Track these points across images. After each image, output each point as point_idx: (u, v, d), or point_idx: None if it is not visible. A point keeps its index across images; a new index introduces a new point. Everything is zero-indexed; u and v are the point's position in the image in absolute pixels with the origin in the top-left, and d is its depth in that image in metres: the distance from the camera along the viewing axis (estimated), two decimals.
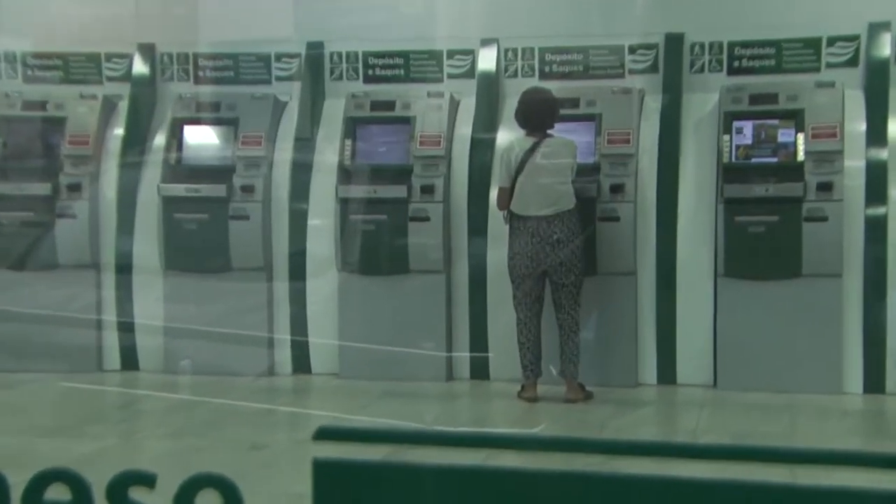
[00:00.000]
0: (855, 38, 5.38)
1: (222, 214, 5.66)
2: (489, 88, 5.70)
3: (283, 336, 5.65)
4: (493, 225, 5.43)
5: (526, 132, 5.07)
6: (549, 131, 5.07)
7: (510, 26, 5.72)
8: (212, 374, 5.51)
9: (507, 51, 5.75)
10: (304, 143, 5.76)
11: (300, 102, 5.85)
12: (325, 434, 1.40)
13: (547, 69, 5.73)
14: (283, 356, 5.71)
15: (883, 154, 5.20)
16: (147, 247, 5.74)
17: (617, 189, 5.30)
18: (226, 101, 5.83)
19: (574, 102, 5.37)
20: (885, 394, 5.12)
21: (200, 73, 6.01)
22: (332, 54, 5.90)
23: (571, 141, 5.14)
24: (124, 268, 5.76)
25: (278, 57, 5.96)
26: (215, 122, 5.82)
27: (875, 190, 5.17)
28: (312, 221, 5.70)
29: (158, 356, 5.73)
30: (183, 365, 5.57)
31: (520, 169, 5.01)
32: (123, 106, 5.97)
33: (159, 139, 5.86)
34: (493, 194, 5.31)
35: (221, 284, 5.62)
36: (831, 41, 5.42)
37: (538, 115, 5.04)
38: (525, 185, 5.02)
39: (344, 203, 5.54)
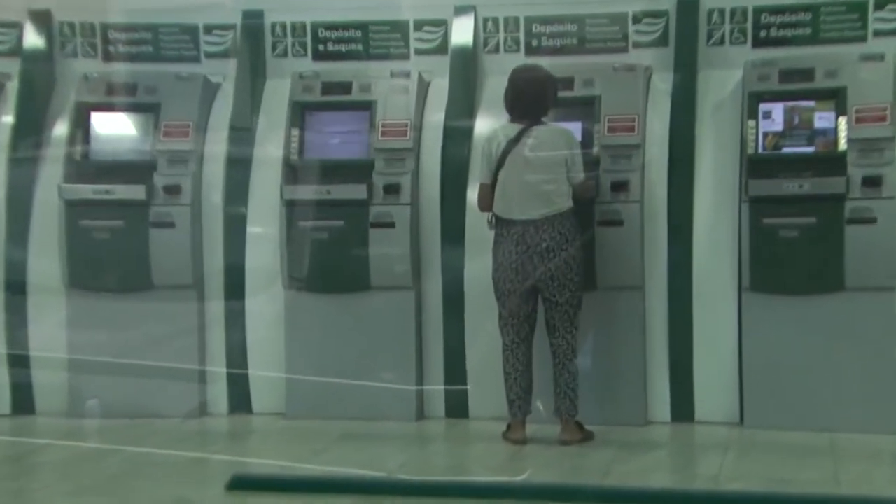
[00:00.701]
0: None
1: (141, 221, 5.61)
2: (465, 66, 5.67)
3: (218, 368, 5.62)
4: (471, 230, 5.40)
5: (513, 118, 5.04)
6: (543, 119, 5.03)
7: None
8: (129, 416, 5.46)
9: (486, 21, 5.73)
10: (242, 133, 5.73)
11: (236, 84, 5.81)
12: (241, 483, 1.28)
13: (534, 43, 5.70)
14: (218, 393, 5.68)
15: None
16: (46, 261, 5.67)
17: (620, 187, 5.27)
18: (144, 82, 5.76)
19: (568, 83, 5.33)
20: None
21: (111, 48, 5.94)
22: (274, 25, 5.87)
23: (566, 129, 5.10)
24: (16, 286, 5.70)
25: (208, 29, 5.91)
26: (131, 107, 5.75)
27: None
28: (252, 229, 5.68)
29: (60, 396, 5.66)
30: (89, 406, 5.52)
31: (501, 162, 4.97)
32: (13, 87, 5.88)
33: (60, 129, 5.79)
34: (472, 194, 5.28)
35: (140, 306, 5.57)
36: (880, 4, 5.38)
37: (528, 97, 4.99)
38: (508, 183, 4.98)
39: (290, 206, 5.51)
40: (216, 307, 5.64)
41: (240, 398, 5.68)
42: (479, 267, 5.24)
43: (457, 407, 5.51)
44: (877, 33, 5.37)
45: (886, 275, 5.09)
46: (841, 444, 4.95)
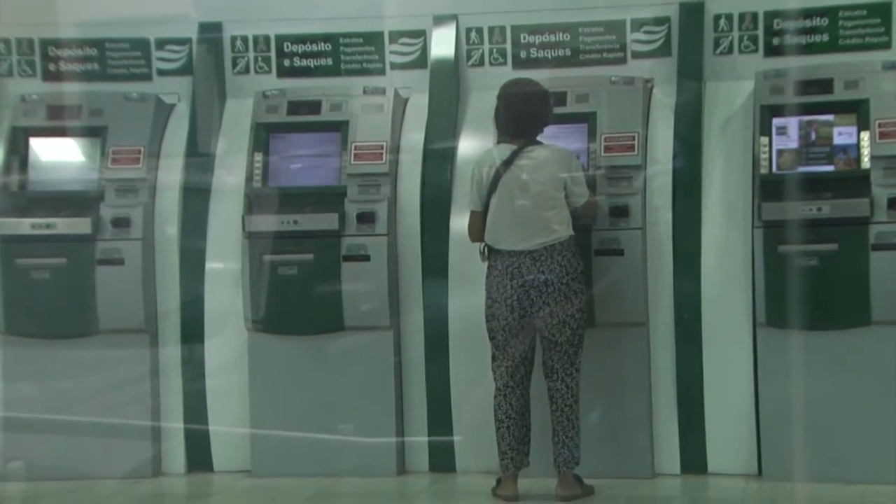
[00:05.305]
0: None
1: (85, 258, 5.41)
2: (446, 81, 5.55)
3: (173, 423, 5.41)
4: (455, 263, 5.26)
5: (504, 139, 4.89)
6: (538, 138, 4.90)
7: None
8: (68, 478, 5.29)
9: (468, 31, 5.61)
10: (199, 159, 5.58)
11: (192, 105, 5.68)
12: None
13: (522, 54, 5.57)
14: (174, 449, 5.46)
15: None
16: None
17: (619, 212, 5.12)
18: (89, 103, 5.60)
19: (560, 98, 5.20)
20: None
21: (52, 67, 5.77)
22: (234, 39, 5.73)
23: (564, 149, 4.95)
24: None
25: (161, 43, 5.76)
26: (74, 132, 5.58)
27: None
28: (211, 265, 5.51)
29: None
30: (11, 468, 5.31)
31: (493, 187, 4.82)
32: None
33: None
34: (456, 222, 5.16)
35: (85, 354, 5.37)
36: None
37: (522, 115, 4.87)
38: (501, 210, 4.84)
39: (254, 239, 5.36)
40: (171, 353, 5.44)
41: (199, 454, 5.47)
42: (464, 303, 5.12)
43: (442, 460, 5.33)
44: None
45: None
46: (872, 497, 4.75)
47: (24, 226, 5.35)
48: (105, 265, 5.35)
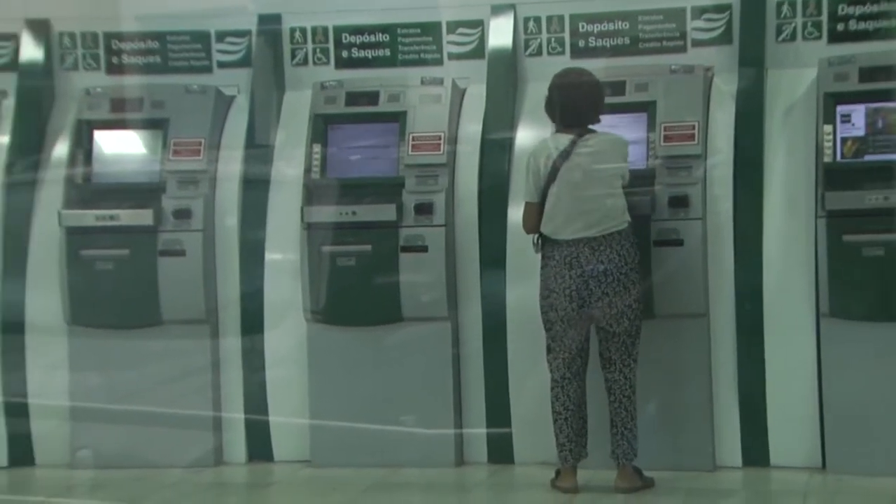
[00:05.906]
0: None
1: (148, 249, 5.47)
2: (504, 71, 5.52)
3: (234, 414, 5.46)
4: (513, 253, 5.25)
5: (560, 129, 4.87)
6: (591, 126, 4.87)
7: None
8: (134, 466, 5.36)
9: (526, 20, 5.59)
10: (259, 150, 5.62)
11: (252, 96, 5.71)
12: None
13: (581, 43, 5.55)
14: (235, 439, 5.51)
15: None
16: (45, 295, 5.53)
17: (679, 202, 5.07)
18: (151, 96, 5.66)
19: (618, 87, 5.18)
20: None
21: (115, 60, 5.84)
22: (293, 31, 5.75)
23: (620, 137, 4.92)
24: (13, 325, 5.57)
25: (221, 36, 5.80)
26: (137, 124, 5.65)
27: None
28: (271, 256, 5.54)
29: (61, 446, 5.48)
30: (80, 456, 5.38)
31: (552, 177, 4.79)
32: (8, 105, 5.79)
33: (60, 149, 5.68)
34: (513, 212, 5.14)
35: (148, 344, 5.42)
36: None
37: (579, 104, 4.85)
38: (559, 200, 4.82)
39: (312, 230, 5.37)
40: (232, 343, 5.48)
41: (259, 444, 5.52)
42: (522, 294, 5.09)
43: (500, 451, 5.33)
44: None
45: None
46: None
47: (89, 217, 5.40)
48: (167, 256, 5.40)
